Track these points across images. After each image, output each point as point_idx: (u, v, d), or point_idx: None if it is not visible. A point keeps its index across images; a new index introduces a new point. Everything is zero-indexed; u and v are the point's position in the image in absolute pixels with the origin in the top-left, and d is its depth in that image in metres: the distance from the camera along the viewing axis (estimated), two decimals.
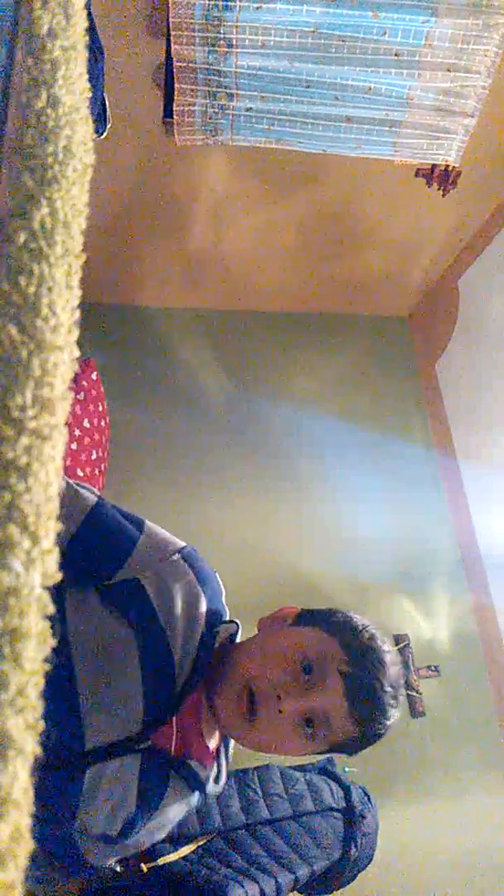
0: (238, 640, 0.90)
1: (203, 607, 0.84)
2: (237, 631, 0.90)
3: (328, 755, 1.36)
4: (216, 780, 0.89)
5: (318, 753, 0.85)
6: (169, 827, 0.86)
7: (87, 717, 0.76)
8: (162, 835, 0.86)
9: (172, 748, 0.82)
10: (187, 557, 0.86)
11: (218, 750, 0.89)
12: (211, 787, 0.87)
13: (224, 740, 0.90)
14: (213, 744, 0.87)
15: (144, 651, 0.79)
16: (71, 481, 0.84)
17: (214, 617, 0.86)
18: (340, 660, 0.79)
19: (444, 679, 2.61)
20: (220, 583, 0.91)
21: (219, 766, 0.89)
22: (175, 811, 0.84)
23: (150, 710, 0.79)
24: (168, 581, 0.82)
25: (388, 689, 0.79)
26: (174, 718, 0.82)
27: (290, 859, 1.23)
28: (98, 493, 0.87)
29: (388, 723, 0.80)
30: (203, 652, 0.82)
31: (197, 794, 0.85)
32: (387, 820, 1.57)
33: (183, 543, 0.89)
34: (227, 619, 0.89)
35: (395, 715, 0.81)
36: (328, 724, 0.78)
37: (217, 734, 0.88)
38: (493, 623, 2.64)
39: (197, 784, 0.84)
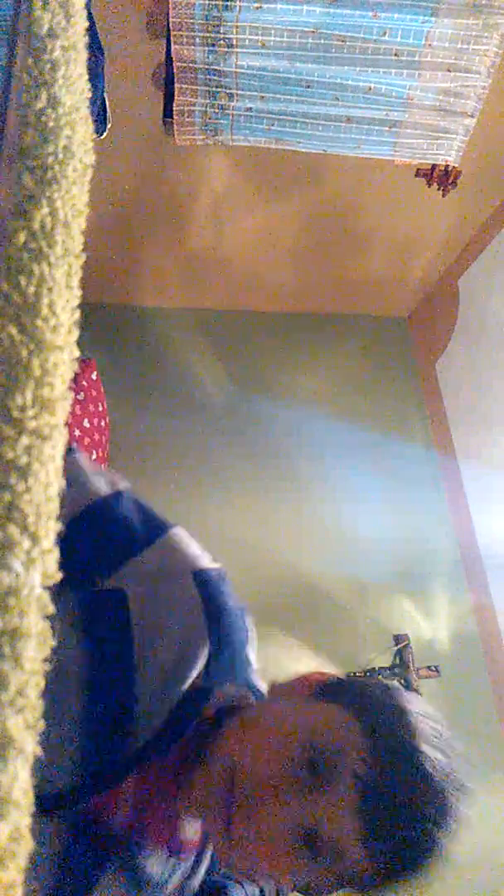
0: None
1: (202, 651, 0.63)
2: (254, 696, 0.67)
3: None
4: (191, 874, 0.64)
5: (325, 887, 0.59)
6: None
7: None
8: None
9: (118, 822, 0.59)
10: (203, 583, 0.66)
11: (204, 837, 0.65)
12: (171, 889, 0.61)
13: None
14: (192, 830, 0.63)
15: (96, 686, 0.58)
16: (90, 467, 0.72)
17: (218, 666, 0.64)
18: (359, 756, 0.55)
19: (444, 679, 2.61)
20: (249, 623, 0.70)
21: (199, 856, 0.65)
22: None
23: (91, 765, 0.57)
24: (164, 605, 0.63)
25: (428, 809, 0.55)
26: (128, 784, 0.59)
27: None
28: (118, 487, 0.72)
29: (427, 855, 0.56)
30: (184, 709, 0.60)
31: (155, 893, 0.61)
32: None
33: (209, 565, 0.69)
34: (252, 675, 0.68)
35: (443, 843, 0.56)
36: (334, 846, 0.54)
37: None
38: (493, 623, 2.64)
39: (142, 879, 0.59)
